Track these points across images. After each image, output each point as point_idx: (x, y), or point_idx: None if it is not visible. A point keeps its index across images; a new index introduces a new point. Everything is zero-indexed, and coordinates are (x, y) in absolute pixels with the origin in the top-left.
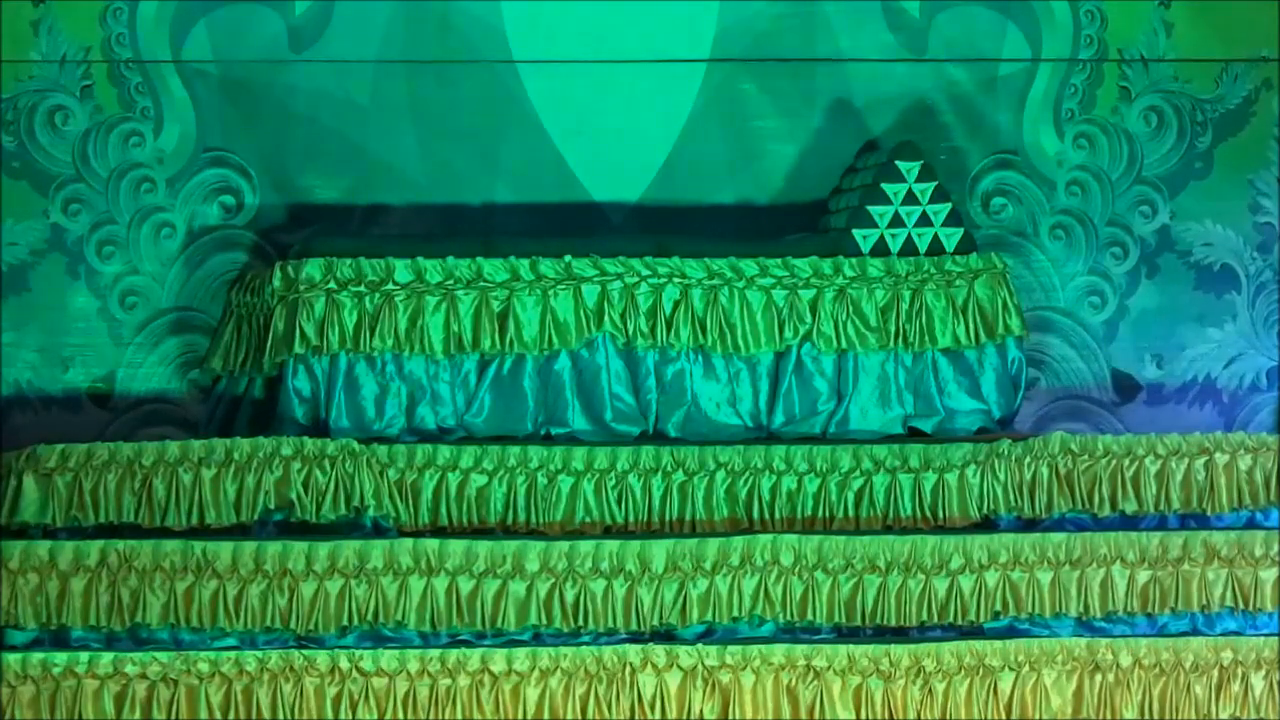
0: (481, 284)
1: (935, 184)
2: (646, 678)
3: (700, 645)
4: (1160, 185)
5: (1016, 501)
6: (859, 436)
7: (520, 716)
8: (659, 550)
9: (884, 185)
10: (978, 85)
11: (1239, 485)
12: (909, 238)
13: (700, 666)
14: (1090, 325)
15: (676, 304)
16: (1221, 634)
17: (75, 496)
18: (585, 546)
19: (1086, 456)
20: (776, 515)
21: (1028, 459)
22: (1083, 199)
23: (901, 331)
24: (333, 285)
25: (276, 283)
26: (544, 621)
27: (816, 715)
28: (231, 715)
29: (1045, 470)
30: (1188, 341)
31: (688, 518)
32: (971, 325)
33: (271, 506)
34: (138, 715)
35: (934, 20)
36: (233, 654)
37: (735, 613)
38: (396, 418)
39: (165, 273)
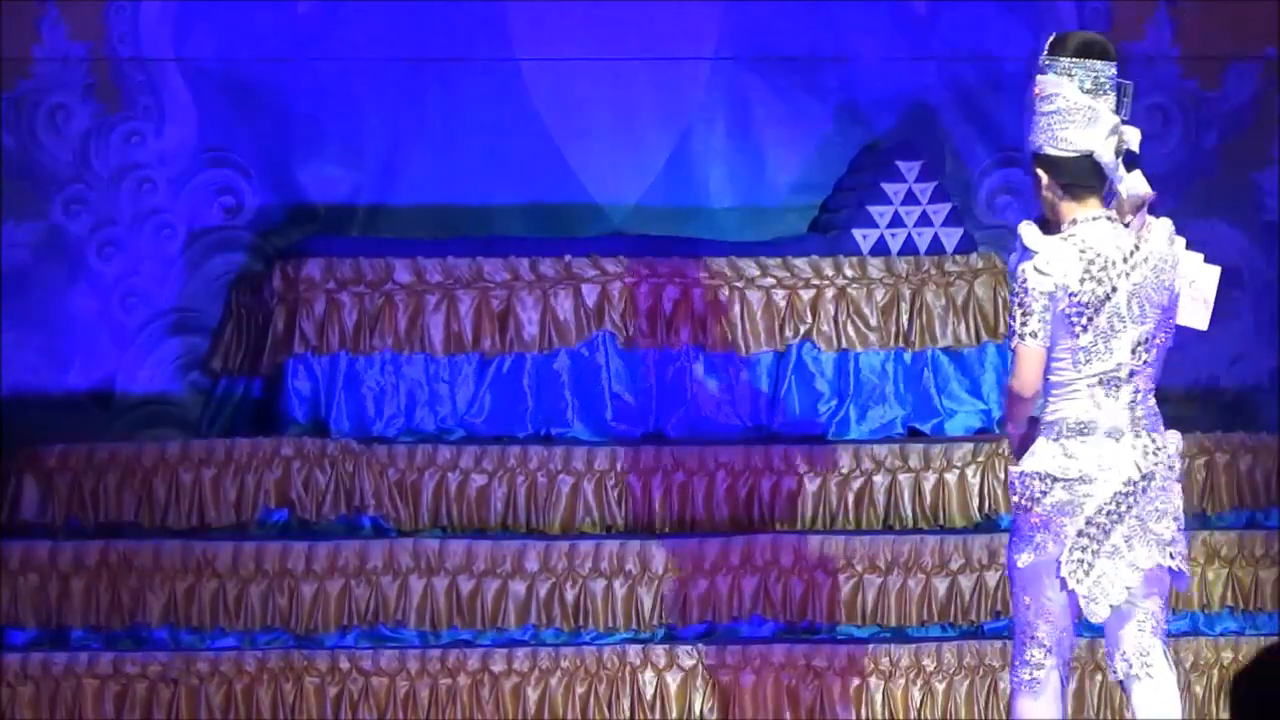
0: (481, 284)
1: (935, 183)
2: (646, 678)
3: (700, 645)
4: (1164, 183)
5: None
6: (859, 437)
7: (520, 716)
8: (659, 550)
9: (884, 185)
10: (982, 83)
11: (1239, 485)
12: (909, 238)
13: (700, 666)
14: None
15: (676, 304)
16: (1221, 634)
17: (75, 496)
18: (585, 546)
19: None
20: (776, 515)
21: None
22: None
23: (901, 331)
24: (333, 285)
25: (276, 283)
26: (544, 621)
27: (816, 715)
28: (231, 715)
29: None
30: (1191, 340)
31: (688, 518)
32: (971, 325)
33: (271, 506)
34: (138, 715)
35: (939, 18)
36: (233, 654)
37: (735, 613)
38: (396, 418)
39: (165, 273)
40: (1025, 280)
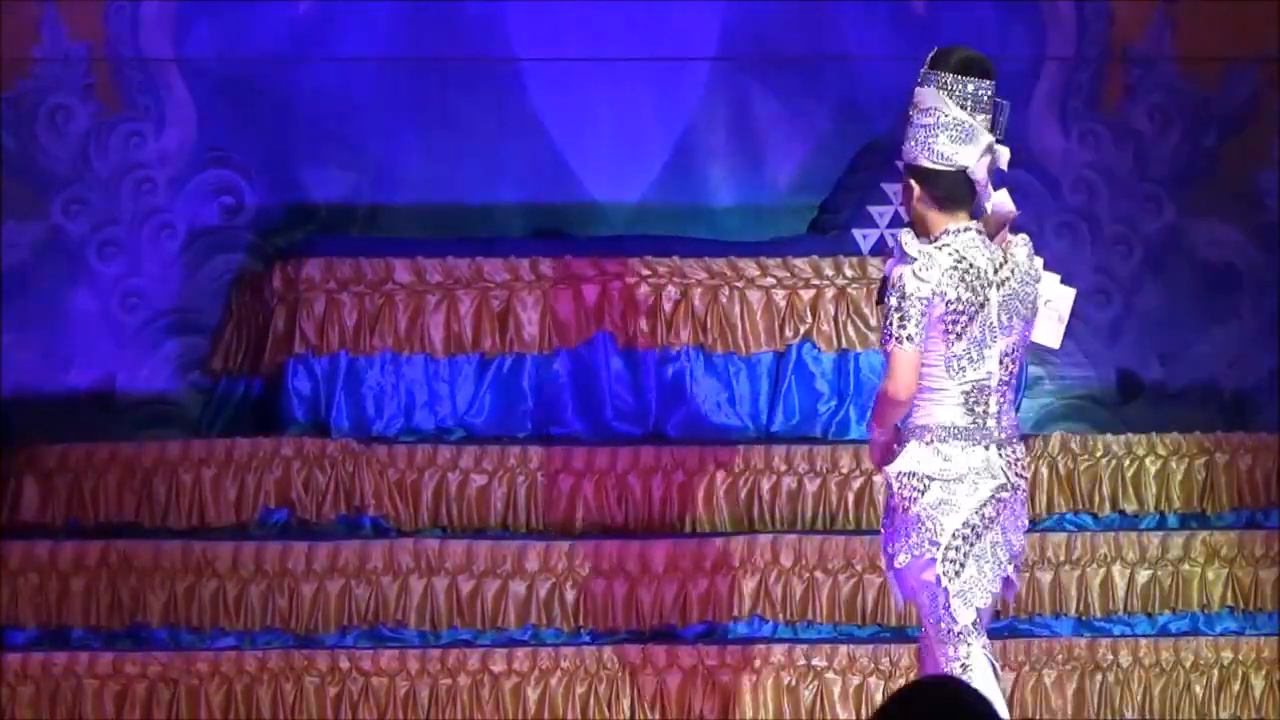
0: (481, 284)
1: None
2: (646, 678)
3: (700, 645)
4: (1165, 183)
5: None
6: (859, 437)
7: (520, 716)
8: (659, 550)
9: (884, 185)
10: None
11: (1239, 485)
12: None
13: (700, 666)
14: (1094, 323)
15: (676, 304)
16: (1221, 634)
17: (75, 496)
18: (585, 546)
19: (1086, 456)
20: (776, 515)
21: (1028, 459)
22: (1088, 197)
23: None
24: (333, 285)
25: (276, 283)
26: (544, 621)
27: (816, 715)
28: (231, 715)
29: (1045, 470)
30: (1192, 340)
31: (688, 518)
32: None
33: (271, 506)
34: (138, 715)
35: (939, 17)
36: (233, 654)
37: (735, 613)
38: (396, 418)
39: (165, 273)
40: (904, 285)
